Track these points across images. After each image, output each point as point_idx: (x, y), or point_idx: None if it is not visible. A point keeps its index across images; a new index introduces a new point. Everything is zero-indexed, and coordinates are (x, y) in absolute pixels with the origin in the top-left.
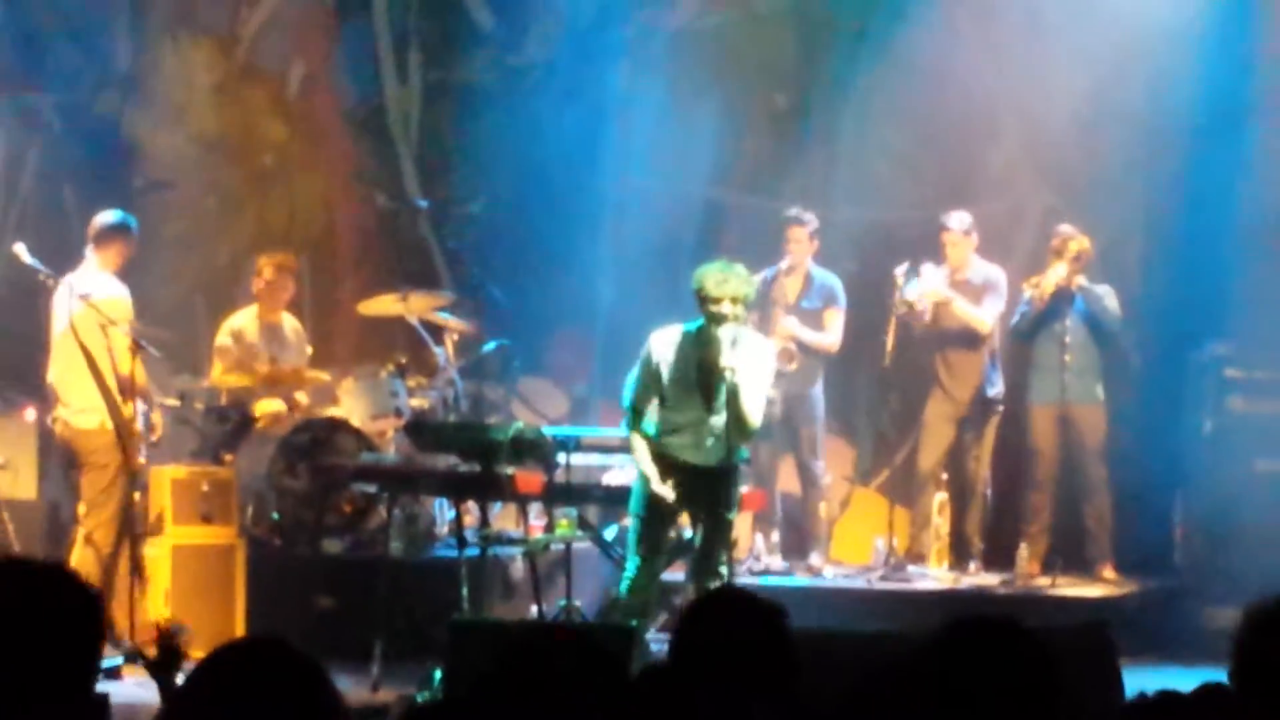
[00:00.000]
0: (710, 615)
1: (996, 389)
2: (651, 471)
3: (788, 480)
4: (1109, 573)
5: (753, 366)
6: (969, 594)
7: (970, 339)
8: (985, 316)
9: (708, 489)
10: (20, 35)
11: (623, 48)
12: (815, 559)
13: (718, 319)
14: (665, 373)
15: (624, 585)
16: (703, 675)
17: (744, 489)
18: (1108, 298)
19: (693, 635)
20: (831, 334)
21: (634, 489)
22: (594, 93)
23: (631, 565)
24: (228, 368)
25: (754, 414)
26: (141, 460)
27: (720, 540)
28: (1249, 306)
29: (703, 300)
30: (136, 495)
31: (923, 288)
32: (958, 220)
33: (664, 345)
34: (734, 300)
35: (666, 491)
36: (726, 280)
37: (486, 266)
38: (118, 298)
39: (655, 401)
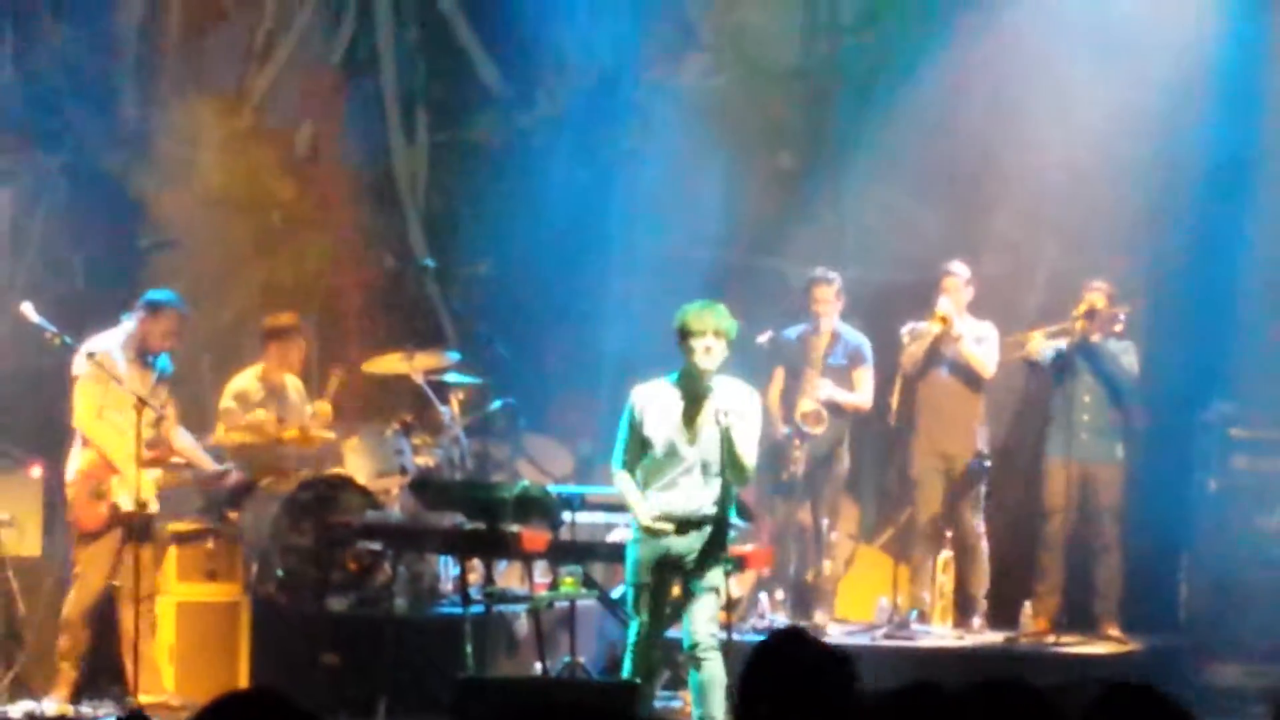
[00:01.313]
0: (777, 659)
1: (985, 444)
2: (639, 504)
3: (793, 530)
4: (1114, 630)
5: (741, 411)
6: (974, 652)
7: (968, 385)
8: (989, 361)
9: (701, 542)
10: (29, 94)
11: (630, 107)
12: (820, 617)
13: (700, 354)
14: (649, 425)
15: (628, 649)
16: (768, 715)
17: (749, 546)
18: (1124, 355)
19: (759, 678)
20: (863, 393)
21: (627, 552)
22: (601, 152)
23: (632, 628)
24: (230, 428)
25: (749, 457)
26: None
27: (711, 593)
28: (1254, 366)
29: (685, 336)
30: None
31: (943, 309)
32: (960, 268)
33: (646, 398)
34: (716, 334)
35: (662, 526)
36: (707, 315)
37: (493, 325)
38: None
39: (641, 456)
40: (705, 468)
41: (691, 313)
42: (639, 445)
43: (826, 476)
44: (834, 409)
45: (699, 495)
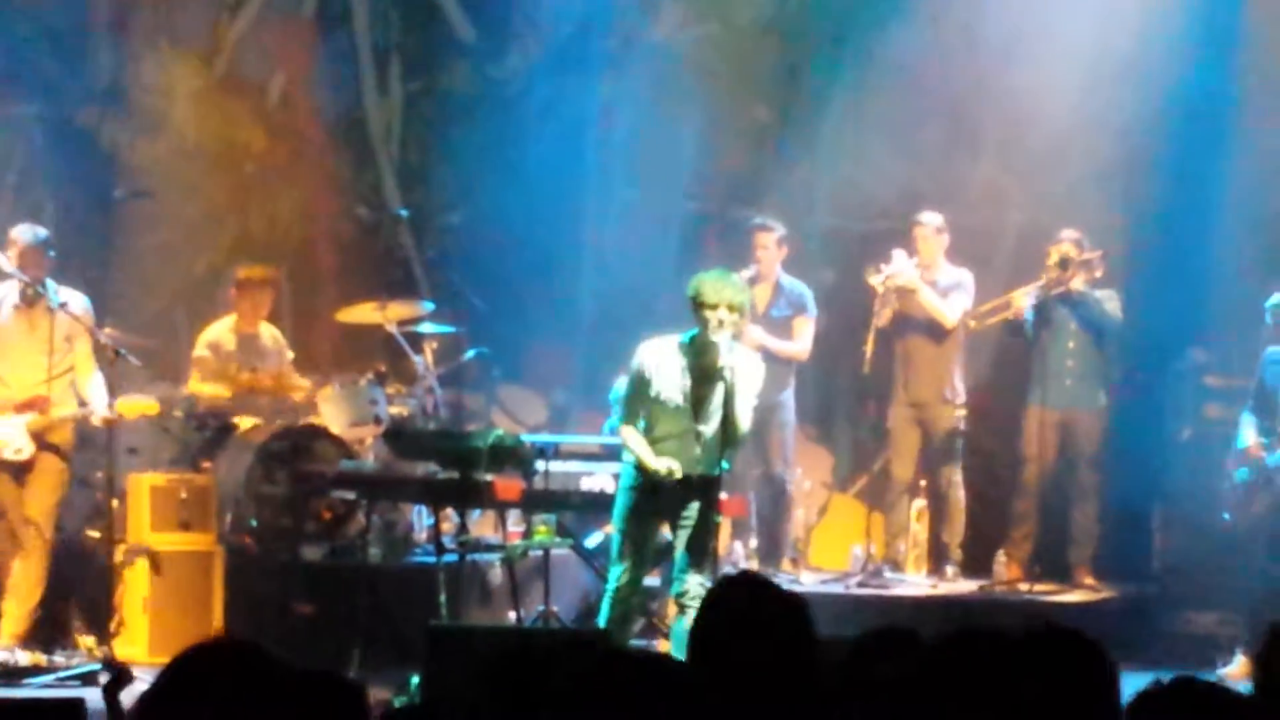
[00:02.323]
0: (732, 600)
1: (959, 393)
2: (647, 453)
3: (755, 483)
4: (1089, 579)
5: (744, 376)
6: (947, 600)
7: (935, 335)
8: (949, 312)
9: (694, 497)
10: (1, 47)
11: (604, 59)
12: (784, 563)
13: (713, 326)
14: (655, 383)
15: (607, 595)
16: (723, 659)
17: (723, 495)
18: (1108, 301)
19: (714, 619)
20: (800, 342)
21: (617, 499)
22: (575, 103)
23: (614, 574)
24: (204, 377)
25: (744, 421)
26: None
27: (707, 546)
28: (1227, 314)
29: (699, 307)
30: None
31: (891, 269)
32: (930, 217)
33: (654, 356)
34: (730, 308)
35: (669, 464)
36: (724, 288)
37: (466, 275)
38: None
39: (644, 413)
40: (705, 428)
41: (708, 283)
42: (645, 403)
43: (772, 424)
44: (770, 356)
45: (699, 455)
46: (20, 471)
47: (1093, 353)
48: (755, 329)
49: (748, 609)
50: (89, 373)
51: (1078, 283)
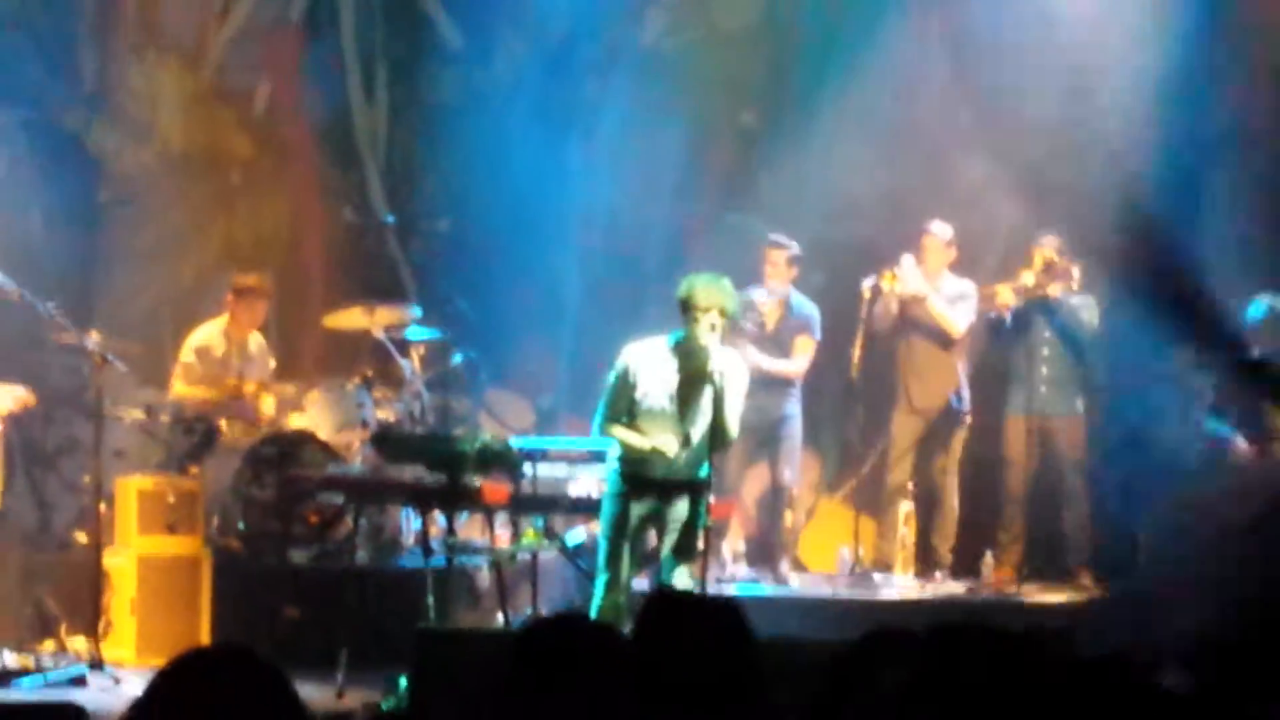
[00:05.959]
0: (662, 624)
1: (964, 400)
2: (640, 442)
3: (753, 489)
4: (1086, 579)
5: (732, 379)
6: (936, 602)
7: (942, 343)
8: (958, 320)
9: (681, 500)
10: None
11: (591, 65)
12: (782, 567)
13: (703, 329)
14: (641, 386)
15: (595, 599)
16: (666, 685)
17: (711, 498)
18: (1084, 309)
19: (649, 646)
20: (796, 361)
21: (603, 505)
22: (561, 109)
23: (601, 582)
24: (190, 383)
25: (733, 425)
26: None
27: (694, 549)
28: None
29: (689, 309)
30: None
31: (901, 275)
32: (941, 229)
33: (641, 358)
34: (721, 312)
35: (664, 442)
36: (716, 292)
37: (453, 280)
38: None
39: (628, 416)
40: (693, 432)
41: (700, 286)
42: (627, 404)
43: (779, 436)
44: (770, 377)
45: (686, 459)
46: None
47: (1068, 360)
48: (751, 350)
49: (677, 625)
50: None
51: (1054, 289)
